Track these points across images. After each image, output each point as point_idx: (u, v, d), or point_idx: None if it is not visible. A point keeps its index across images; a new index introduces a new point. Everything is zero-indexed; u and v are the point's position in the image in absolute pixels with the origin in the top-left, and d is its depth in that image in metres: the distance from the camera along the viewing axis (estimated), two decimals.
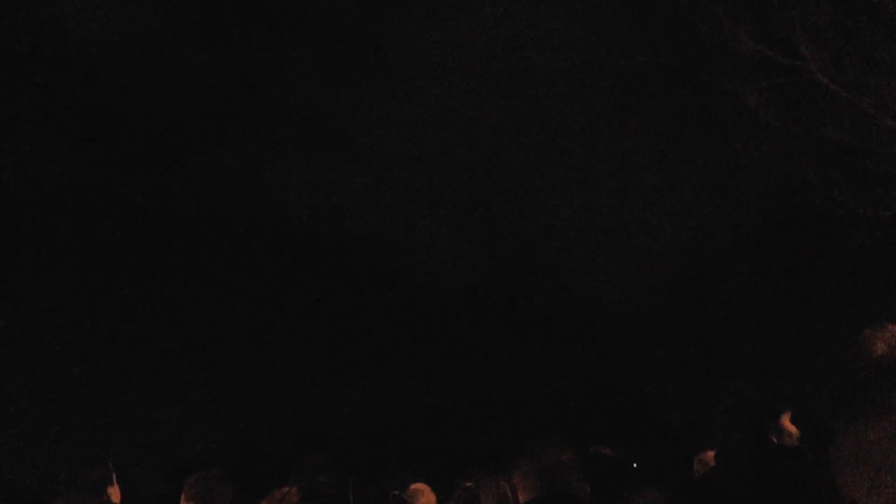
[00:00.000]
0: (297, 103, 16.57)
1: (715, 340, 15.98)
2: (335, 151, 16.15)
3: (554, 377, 17.28)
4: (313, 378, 17.06)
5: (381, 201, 16.26)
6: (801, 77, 11.88)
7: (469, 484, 4.76)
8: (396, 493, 4.72)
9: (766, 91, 12.26)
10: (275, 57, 17.23)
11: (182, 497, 4.33)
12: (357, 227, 15.95)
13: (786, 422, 4.57)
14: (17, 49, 15.54)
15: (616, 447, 4.18)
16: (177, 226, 17.58)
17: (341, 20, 17.38)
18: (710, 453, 4.21)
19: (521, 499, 3.18)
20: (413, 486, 4.87)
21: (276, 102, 17.62)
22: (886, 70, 11.18)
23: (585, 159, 17.22)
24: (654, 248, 16.52)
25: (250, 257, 16.76)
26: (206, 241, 17.15)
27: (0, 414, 15.48)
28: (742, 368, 14.84)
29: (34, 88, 16.16)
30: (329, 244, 17.21)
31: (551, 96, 17.09)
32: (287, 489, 3.77)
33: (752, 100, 12.43)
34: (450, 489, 5.02)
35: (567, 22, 16.09)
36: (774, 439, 3.69)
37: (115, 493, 4.33)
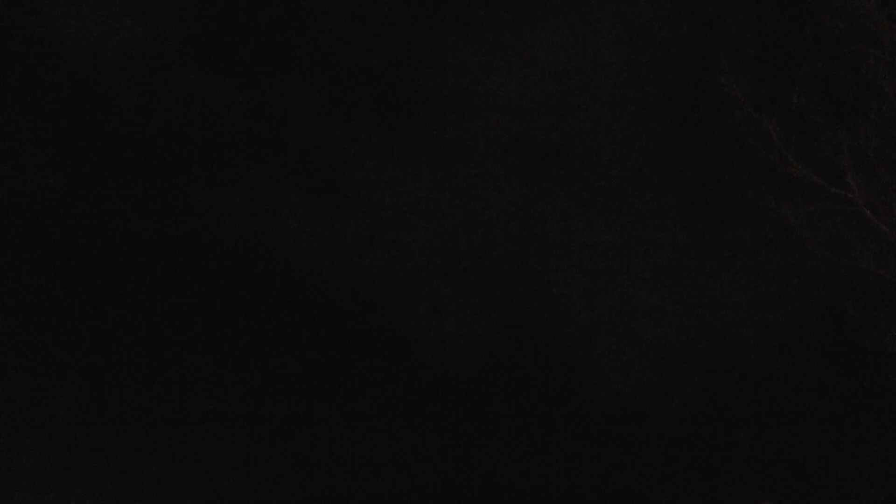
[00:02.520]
0: (311, 145, 16.49)
1: (731, 457, 15.74)
2: (346, 202, 15.79)
3: (555, 469, 16.95)
4: (308, 439, 16.88)
5: (392, 262, 15.94)
6: (846, 207, 12.01)
7: None
8: None
9: (811, 216, 12.39)
10: (292, 93, 17.21)
11: None
12: (364, 287, 15.79)
13: None
14: (14, 68, 15.85)
15: None
16: (169, 258, 17.35)
17: (368, 61, 17.31)
18: None
19: None
20: None
21: (286, 141, 17.43)
22: None
23: (617, 246, 17.07)
24: (679, 347, 16.39)
25: (245, 304, 16.51)
26: (196, 282, 17.00)
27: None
28: (758, 488, 14.67)
29: (31, 107, 16.33)
30: (333, 301, 16.93)
31: (589, 176, 17.02)
32: None
33: (796, 222, 12.58)
34: None
35: (614, 104, 16.22)
36: None
37: None
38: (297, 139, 17.50)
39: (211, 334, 17.01)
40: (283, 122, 17.36)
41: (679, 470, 15.79)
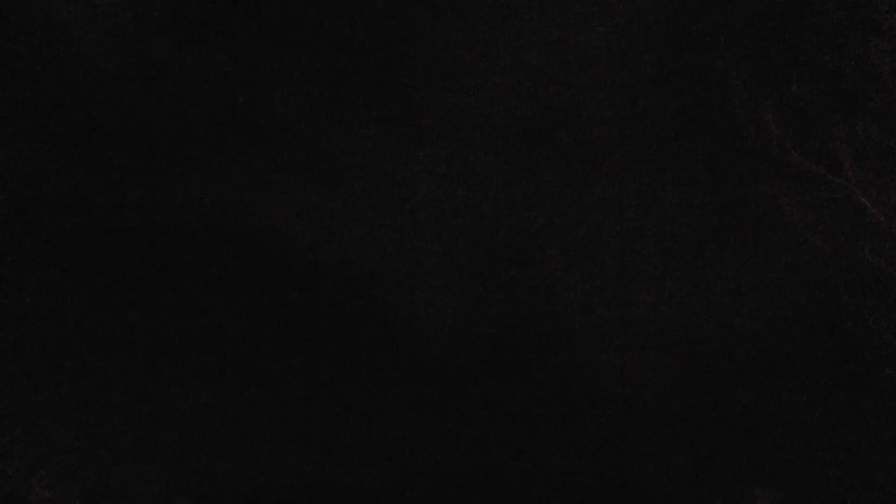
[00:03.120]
0: (300, 125, 16.00)
1: (728, 445, 15.74)
2: (335, 184, 15.30)
3: (550, 456, 16.86)
4: (302, 424, 16.76)
5: (384, 245, 15.50)
6: (843, 195, 12.00)
7: None
8: None
9: (807, 205, 12.39)
10: (280, 71, 16.78)
11: None
12: (356, 270, 15.35)
13: None
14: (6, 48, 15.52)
15: None
16: (156, 240, 16.93)
17: (360, 38, 16.88)
18: None
19: None
20: None
21: (274, 121, 16.92)
22: None
23: (614, 231, 16.88)
24: (674, 339, 16.35)
25: (235, 284, 16.04)
26: (185, 264, 16.61)
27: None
28: (759, 477, 14.72)
29: (15, 88, 16.00)
30: (324, 285, 16.50)
31: (587, 161, 16.80)
32: None
33: (792, 212, 12.57)
34: None
35: (612, 90, 16.02)
36: None
37: None
38: (286, 119, 17.14)
39: (200, 320, 16.77)
40: (270, 102, 17.00)
41: (676, 457, 15.80)
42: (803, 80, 12.45)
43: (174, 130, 16.90)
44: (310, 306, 17.22)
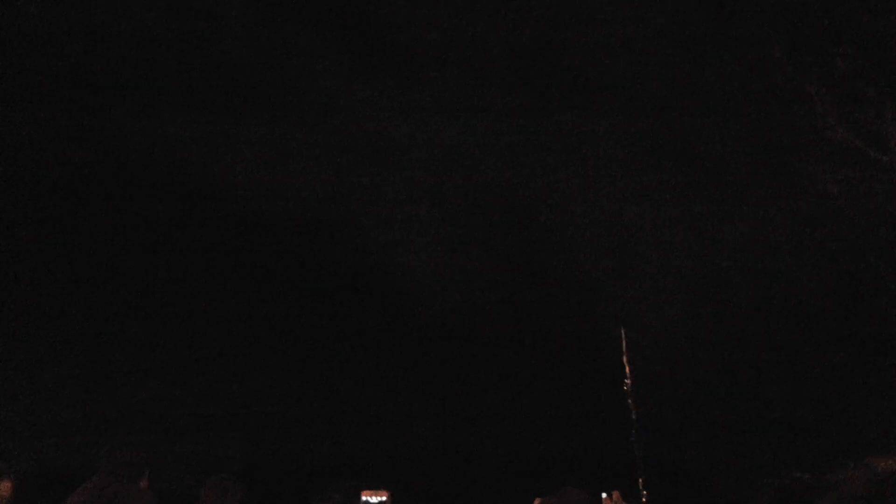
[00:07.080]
0: (261, 62, 14.46)
1: (750, 423, 15.84)
2: (305, 127, 13.92)
3: (559, 428, 16.72)
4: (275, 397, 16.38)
5: (363, 197, 14.28)
6: (887, 174, 12.09)
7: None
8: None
9: (850, 181, 12.47)
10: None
11: (202, 493, 4.97)
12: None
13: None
14: None
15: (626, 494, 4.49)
16: (115, 191, 16.07)
17: None
18: None
19: None
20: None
21: (233, 58, 15.35)
22: None
23: (628, 208, 16.39)
24: (700, 312, 16.26)
25: (218, 249, 15.06)
26: (139, 218, 15.67)
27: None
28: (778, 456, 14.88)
29: None
30: (291, 241, 15.33)
31: (602, 139, 16.20)
32: None
33: (834, 188, 12.66)
34: None
35: (652, 63, 15.53)
36: None
37: (145, 481, 4.79)
38: (246, 55, 15.51)
39: (158, 277, 15.73)
40: (226, 35, 15.37)
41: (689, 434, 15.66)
42: (848, 55, 12.48)
43: (122, 71, 15.45)
44: (267, 261, 15.93)
